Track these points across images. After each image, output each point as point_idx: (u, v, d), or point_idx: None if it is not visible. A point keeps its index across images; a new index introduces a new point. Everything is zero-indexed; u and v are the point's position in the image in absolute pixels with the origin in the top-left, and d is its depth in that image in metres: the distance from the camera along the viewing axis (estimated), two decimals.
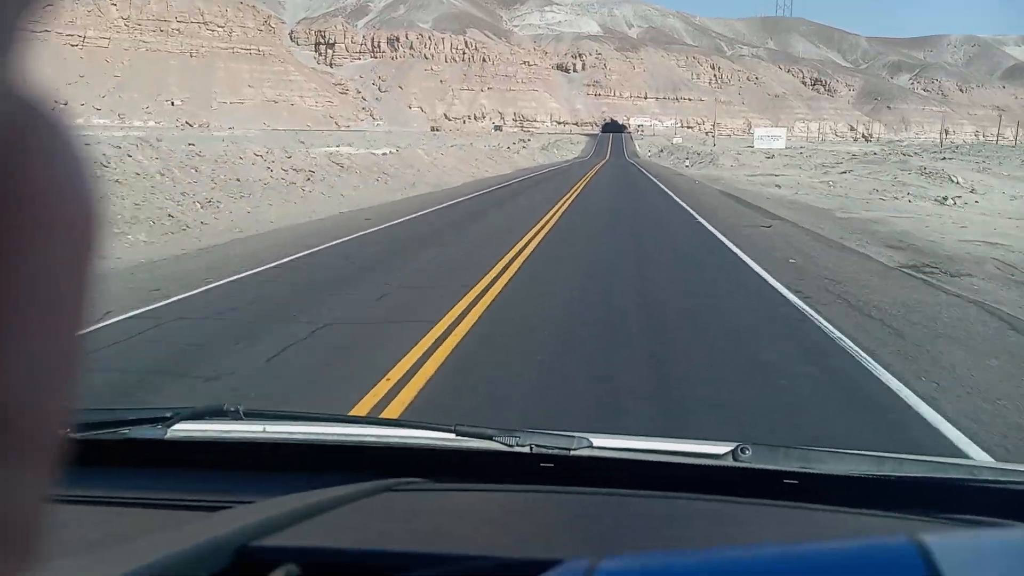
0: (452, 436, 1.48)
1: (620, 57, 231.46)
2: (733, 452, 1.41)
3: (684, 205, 18.98)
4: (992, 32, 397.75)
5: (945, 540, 0.52)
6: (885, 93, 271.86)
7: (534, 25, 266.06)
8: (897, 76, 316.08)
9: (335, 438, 1.59)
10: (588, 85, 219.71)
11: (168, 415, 1.52)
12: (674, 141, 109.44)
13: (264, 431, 1.58)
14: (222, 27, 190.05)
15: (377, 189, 22.25)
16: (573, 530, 1.25)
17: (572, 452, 1.43)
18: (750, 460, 1.40)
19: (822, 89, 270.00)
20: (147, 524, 1.19)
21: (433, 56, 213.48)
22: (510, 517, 1.32)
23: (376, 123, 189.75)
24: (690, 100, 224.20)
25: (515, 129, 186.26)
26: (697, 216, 16.27)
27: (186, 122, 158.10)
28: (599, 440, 1.47)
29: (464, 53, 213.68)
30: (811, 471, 1.39)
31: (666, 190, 25.48)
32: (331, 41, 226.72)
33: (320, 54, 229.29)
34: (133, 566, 0.75)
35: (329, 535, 1.06)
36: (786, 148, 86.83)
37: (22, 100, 0.22)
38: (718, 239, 12.18)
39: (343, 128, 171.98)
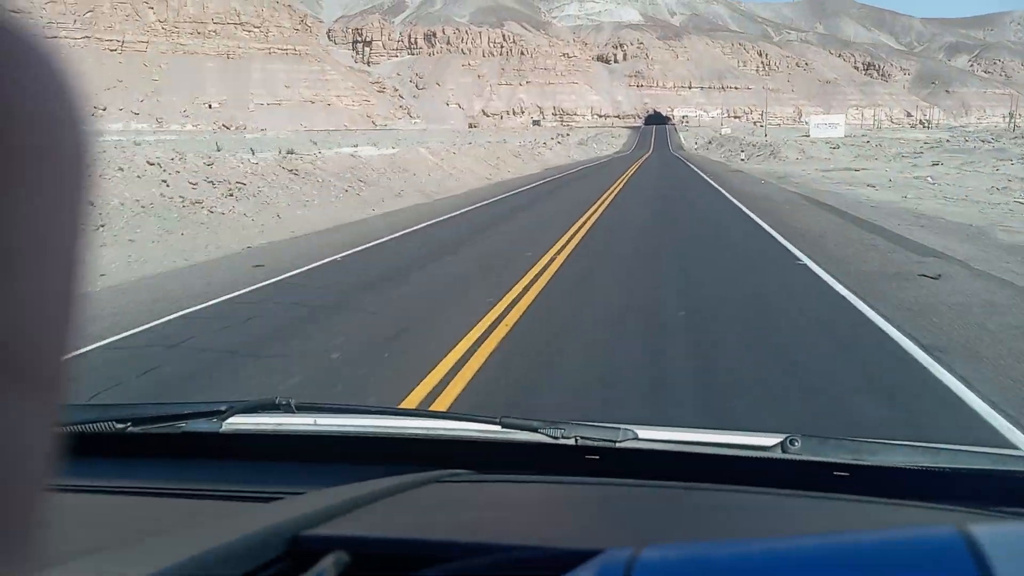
0: (498, 428, 1.49)
1: (663, 46, 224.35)
2: (782, 444, 1.40)
3: (763, 224, 13.14)
4: None
5: (994, 531, 0.51)
6: (943, 76, 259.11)
7: (573, 15, 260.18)
8: (955, 58, 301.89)
9: (384, 430, 1.61)
10: (630, 76, 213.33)
11: (223, 408, 1.56)
12: (723, 131, 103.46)
13: (315, 424, 1.61)
14: (258, 27, 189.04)
15: (340, 203, 17.69)
16: (618, 521, 1.26)
17: (617, 444, 1.43)
18: (799, 452, 1.38)
19: (875, 74, 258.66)
20: (203, 514, 1.23)
21: (471, 51, 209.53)
22: (555, 508, 1.33)
23: (413, 121, 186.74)
24: (736, 89, 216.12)
25: (555, 124, 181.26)
26: (793, 249, 10.29)
27: (223, 124, 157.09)
28: (645, 432, 1.47)
29: (502, 47, 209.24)
30: (862, 463, 1.37)
31: (728, 196, 20.23)
32: (368, 39, 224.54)
33: (357, 52, 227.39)
34: (189, 554, 0.78)
35: (378, 525, 1.09)
36: (845, 136, 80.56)
37: (8, 31, 0.22)
38: (872, 324, 6.33)
39: (379, 127, 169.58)
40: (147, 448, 1.57)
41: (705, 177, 30.68)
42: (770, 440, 1.42)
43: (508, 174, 33.37)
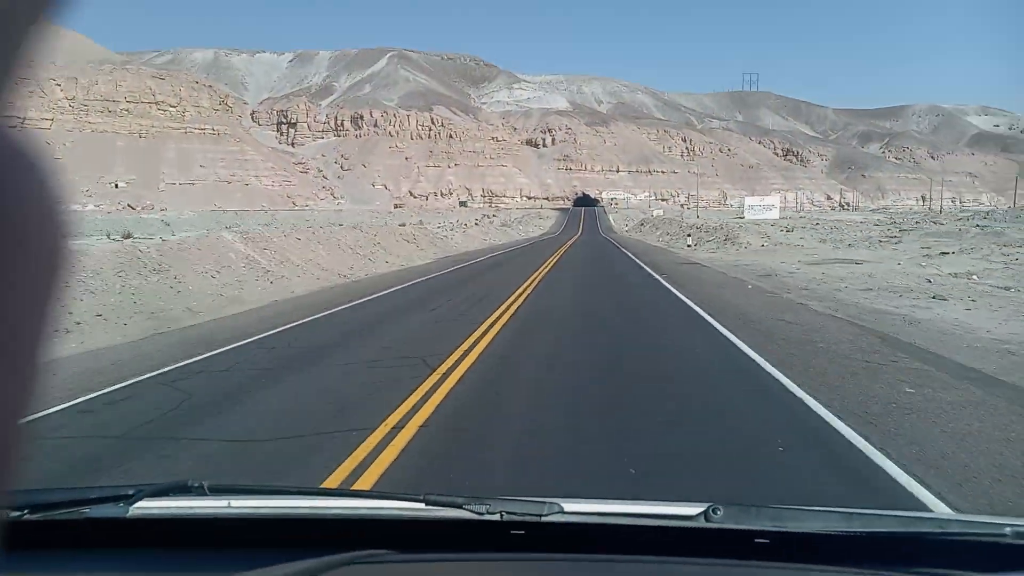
0: (421, 506, 1.45)
1: (590, 131, 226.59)
2: (705, 513, 1.39)
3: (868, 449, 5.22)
4: (954, 102, 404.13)
5: None
6: (859, 162, 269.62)
7: (503, 102, 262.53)
8: (867, 145, 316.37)
9: (302, 512, 1.54)
10: (558, 160, 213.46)
11: (131, 492, 1.48)
12: (654, 213, 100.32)
13: (229, 506, 1.54)
14: (175, 107, 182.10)
15: None
16: None
17: (543, 518, 1.40)
18: (722, 520, 1.38)
19: (794, 159, 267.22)
20: None
21: (398, 133, 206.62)
22: None
23: (337, 202, 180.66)
24: (663, 172, 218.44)
25: (483, 205, 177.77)
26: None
27: (128, 205, 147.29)
28: (570, 505, 1.43)
29: (430, 130, 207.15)
30: (782, 530, 1.36)
31: (705, 317, 12.54)
32: (293, 120, 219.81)
33: (282, 134, 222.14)
34: None
35: None
36: (781, 218, 77.54)
37: None
38: None
39: (300, 208, 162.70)
40: (47, 537, 1.44)
41: (655, 276, 23.59)
42: (693, 510, 1.41)
43: (380, 268, 25.78)
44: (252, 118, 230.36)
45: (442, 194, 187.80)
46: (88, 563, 1.39)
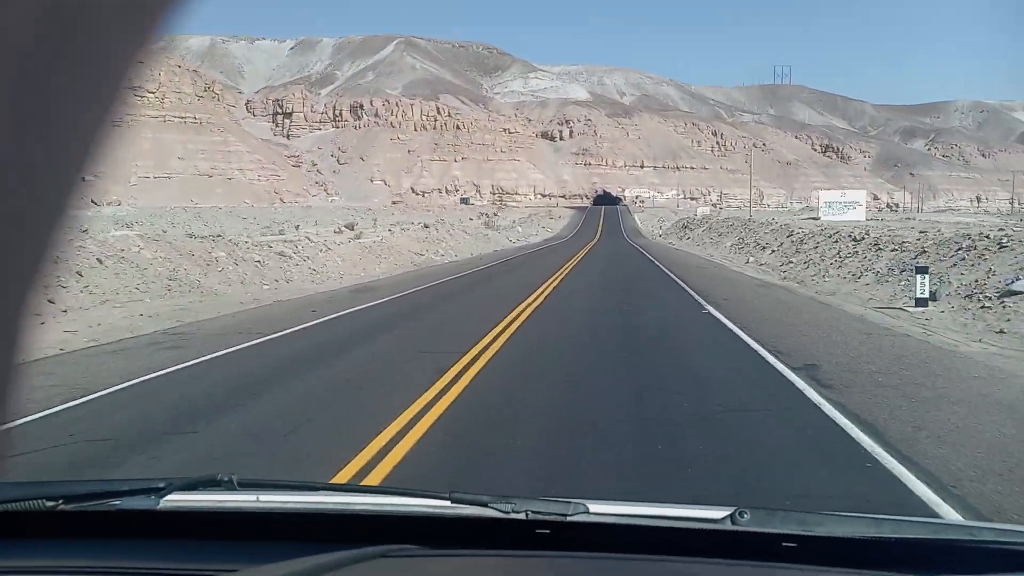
0: (447, 503, 1.44)
1: (612, 123, 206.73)
2: (731, 516, 1.38)
3: None
4: (999, 98, 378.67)
5: None
6: (905, 159, 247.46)
7: (517, 92, 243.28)
8: (911, 142, 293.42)
9: (330, 507, 1.55)
10: (576, 154, 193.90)
11: (162, 486, 1.49)
12: (699, 211, 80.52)
13: (257, 501, 1.54)
14: (153, 92, 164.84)
15: None
16: None
17: (568, 518, 1.39)
18: (748, 524, 1.36)
19: (834, 156, 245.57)
20: None
21: (401, 124, 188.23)
22: None
23: (331, 199, 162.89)
24: (692, 168, 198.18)
25: (485, 203, 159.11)
26: None
27: (92, 200, 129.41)
28: (595, 506, 1.43)
29: (436, 120, 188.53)
30: (809, 534, 1.35)
31: None
32: (288, 110, 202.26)
33: (277, 125, 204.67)
34: None
35: None
36: (869, 219, 57.79)
37: None
38: None
39: (289, 204, 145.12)
40: (79, 527, 1.49)
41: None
42: (719, 513, 1.40)
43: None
44: (247, 108, 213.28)
45: (447, 190, 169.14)
46: (119, 553, 1.41)
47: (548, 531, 1.39)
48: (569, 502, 1.40)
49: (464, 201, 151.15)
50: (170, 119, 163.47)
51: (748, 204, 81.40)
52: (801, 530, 1.35)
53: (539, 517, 1.39)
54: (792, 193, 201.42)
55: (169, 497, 1.48)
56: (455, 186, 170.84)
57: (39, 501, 1.45)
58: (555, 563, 1.33)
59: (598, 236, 65.07)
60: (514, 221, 72.97)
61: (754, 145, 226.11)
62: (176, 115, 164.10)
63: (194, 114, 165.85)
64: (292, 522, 1.52)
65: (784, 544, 1.34)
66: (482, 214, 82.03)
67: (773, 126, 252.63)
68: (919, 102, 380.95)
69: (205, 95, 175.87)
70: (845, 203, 61.45)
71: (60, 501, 1.45)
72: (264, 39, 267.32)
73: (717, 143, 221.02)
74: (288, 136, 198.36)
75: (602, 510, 1.42)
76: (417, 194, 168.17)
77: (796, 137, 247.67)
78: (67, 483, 1.57)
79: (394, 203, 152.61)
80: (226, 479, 1.50)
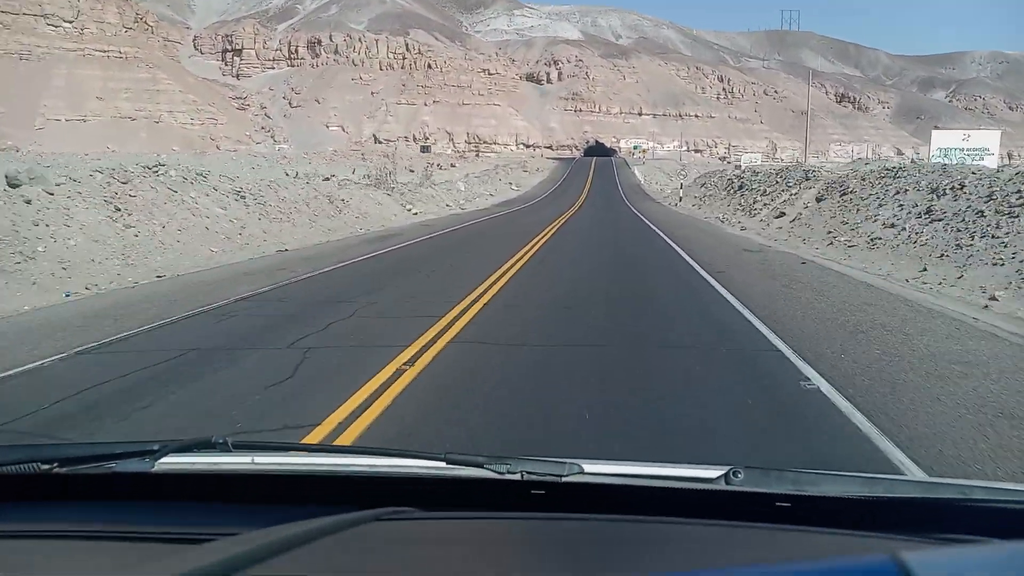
0: (442, 464, 1.45)
1: (606, 65, 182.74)
2: (725, 476, 1.39)
3: None
4: (1019, 48, 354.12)
5: (924, 558, 0.52)
6: (929, 111, 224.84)
7: (500, 30, 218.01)
8: (930, 93, 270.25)
9: (324, 469, 1.55)
10: (566, 99, 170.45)
11: (155, 448, 1.49)
12: (743, 161, 58.71)
13: (253, 463, 1.54)
14: (70, 22, 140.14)
15: None
16: (565, 556, 1.23)
17: (563, 479, 1.40)
18: (742, 483, 1.37)
19: (850, 106, 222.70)
20: (131, 557, 1.19)
21: (364, 62, 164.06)
22: (501, 545, 1.30)
23: (278, 146, 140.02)
24: (696, 117, 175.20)
25: (458, 152, 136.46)
26: None
27: None
28: (590, 466, 1.43)
29: (404, 59, 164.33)
30: (804, 493, 1.36)
31: None
32: (238, 47, 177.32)
33: (227, 63, 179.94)
34: None
35: (317, 565, 1.04)
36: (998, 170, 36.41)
37: None
38: None
39: (226, 151, 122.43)
40: (75, 489, 1.49)
41: None
42: (714, 472, 1.41)
43: None
44: (194, 46, 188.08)
45: (415, 138, 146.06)
46: (115, 515, 1.41)
47: (543, 492, 1.41)
48: (564, 462, 1.41)
49: (425, 149, 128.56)
50: (90, 53, 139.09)
51: (804, 153, 59.77)
52: (795, 490, 1.36)
53: (534, 478, 1.40)
54: (809, 145, 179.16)
55: (164, 460, 1.48)
56: (424, 133, 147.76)
57: (33, 464, 1.45)
58: (551, 524, 1.35)
59: (583, 199, 43.95)
60: (466, 175, 51.43)
61: (764, 93, 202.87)
62: (97, 48, 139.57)
63: (119, 48, 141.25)
64: (287, 484, 1.51)
65: (778, 504, 1.35)
66: (429, 164, 60.24)
67: (785, 72, 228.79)
68: (933, 52, 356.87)
69: (135, 27, 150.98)
70: (969, 150, 39.69)
71: (55, 464, 1.46)
72: None
73: (724, 89, 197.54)
74: (238, 76, 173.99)
75: (596, 470, 1.43)
76: (380, 142, 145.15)
77: (812, 84, 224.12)
78: (61, 446, 1.48)
79: (355, 151, 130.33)
80: (220, 441, 1.50)
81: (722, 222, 28.87)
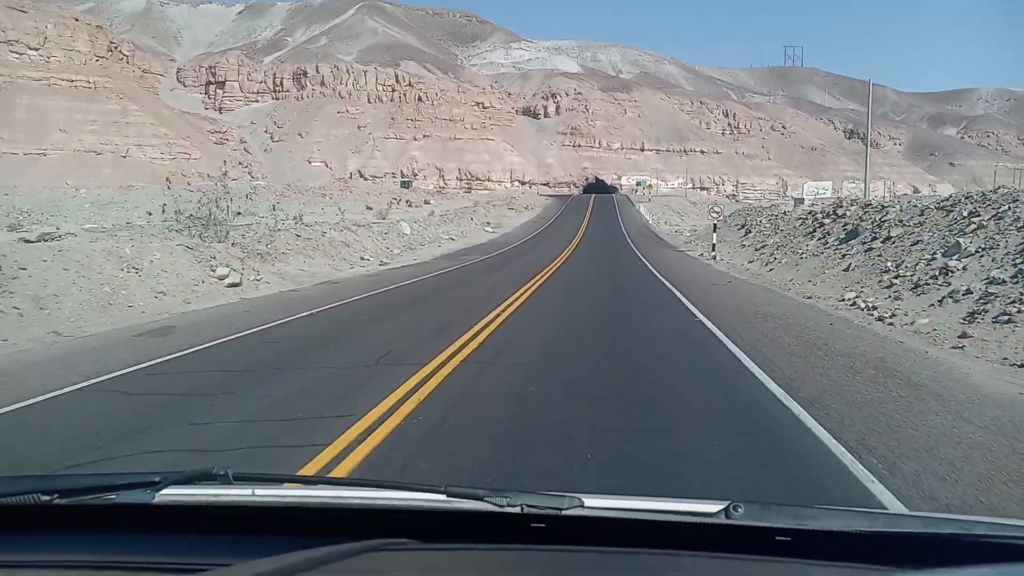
0: (442, 497, 1.44)
1: (607, 99, 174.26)
2: (725, 510, 1.38)
3: None
4: (1020, 86, 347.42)
5: None
6: (943, 147, 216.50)
7: (497, 63, 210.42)
8: (940, 129, 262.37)
9: (324, 501, 1.55)
10: (564, 134, 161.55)
11: (157, 480, 1.49)
12: (807, 194, 48.68)
13: (253, 495, 1.54)
14: (35, 49, 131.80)
15: None
16: None
17: (563, 512, 1.39)
18: (742, 518, 1.36)
19: (860, 142, 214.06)
20: None
21: (351, 95, 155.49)
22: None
23: (255, 182, 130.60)
24: (702, 153, 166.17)
25: (450, 189, 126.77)
26: None
27: None
28: (590, 500, 1.43)
29: (394, 91, 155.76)
30: (803, 527, 1.35)
31: None
32: (221, 79, 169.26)
33: (209, 96, 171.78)
34: None
35: None
36: None
37: None
38: None
39: (191, 190, 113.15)
40: (75, 521, 1.49)
41: None
42: (714, 507, 1.40)
43: None
44: (177, 78, 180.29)
45: (403, 174, 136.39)
46: (115, 546, 1.42)
47: (543, 524, 1.40)
48: (564, 496, 1.40)
49: (405, 184, 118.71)
50: (55, 83, 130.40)
51: (864, 187, 49.19)
52: (795, 524, 1.35)
53: (534, 511, 1.39)
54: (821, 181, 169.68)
55: (164, 491, 1.49)
56: (412, 169, 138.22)
57: (34, 495, 1.45)
58: (550, 557, 1.34)
59: (573, 248, 33.45)
60: (430, 214, 40.81)
61: (771, 128, 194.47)
62: (64, 78, 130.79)
63: (87, 77, 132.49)
64: (287, 516, 1.52)
65: (778, 539, 1.34)
66: (393, 200, 50.00)
67: (792, 107, 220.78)
68: (940, 89, 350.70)
69: (108, 56, 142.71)
70: None
71: (56, 495, 1.46)
72: (210, 3, 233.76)
73: (729, 124, 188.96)
74: (220, 109, 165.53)
75: (596, 504, 1.42)
76: (366, 179, 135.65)
77: (819, 120, 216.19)
78: (63, 477, 1.56)
79: (342, 184, 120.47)
80: (221, 473, 1.49)
81: (881, 320, 12.72)
